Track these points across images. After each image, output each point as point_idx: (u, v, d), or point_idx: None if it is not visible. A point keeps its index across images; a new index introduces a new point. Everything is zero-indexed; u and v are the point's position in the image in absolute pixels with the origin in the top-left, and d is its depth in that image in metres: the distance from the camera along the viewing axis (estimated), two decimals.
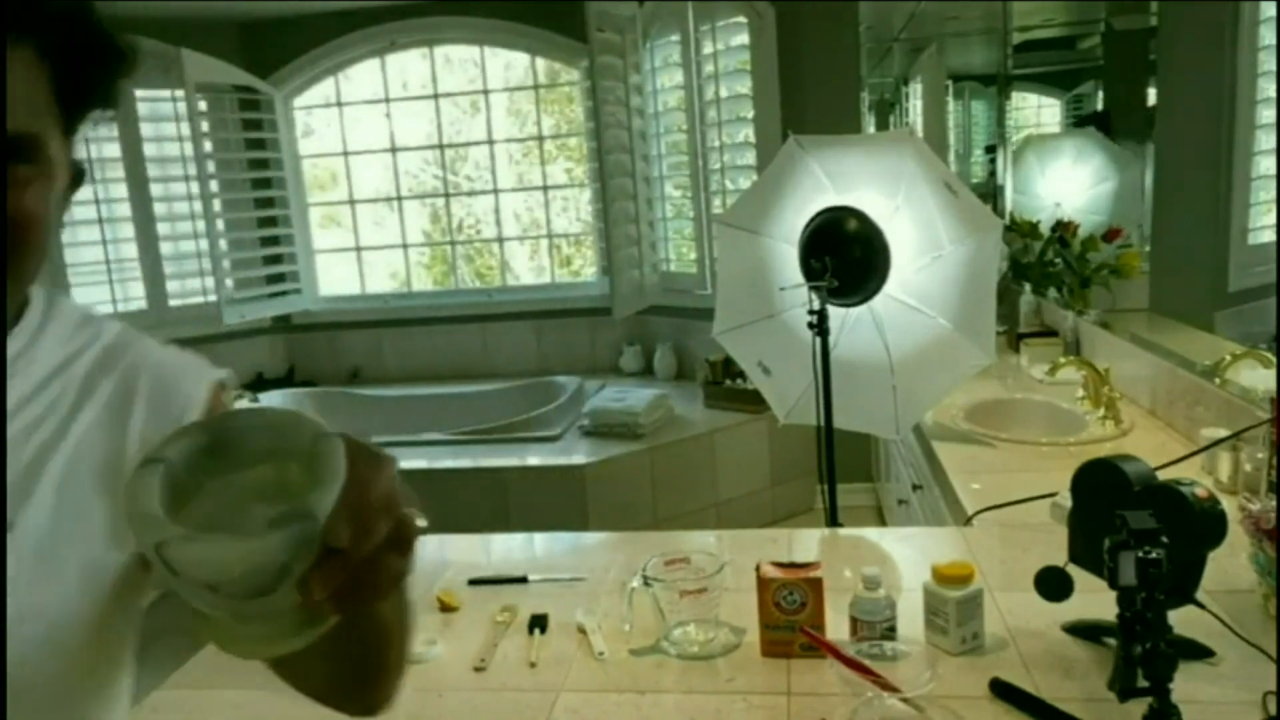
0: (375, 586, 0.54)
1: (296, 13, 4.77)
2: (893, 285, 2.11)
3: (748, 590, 1.32)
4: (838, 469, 2.19)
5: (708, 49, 4.22)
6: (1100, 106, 3.29)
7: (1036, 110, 3.88)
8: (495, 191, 5.00)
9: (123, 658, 0.75)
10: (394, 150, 5.01)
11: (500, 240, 5.13)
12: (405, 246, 5.15)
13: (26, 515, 0.66)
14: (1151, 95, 2.50)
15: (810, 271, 2.10)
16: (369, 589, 0.54)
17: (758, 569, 1.29)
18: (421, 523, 0.57)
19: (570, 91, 5.08)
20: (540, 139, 4.99)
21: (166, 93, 4.50)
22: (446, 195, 5.11)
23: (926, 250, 2.08)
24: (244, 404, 4.37)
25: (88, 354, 0.74)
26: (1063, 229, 3.04)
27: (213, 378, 0.78)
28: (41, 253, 0.65)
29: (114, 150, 4.56)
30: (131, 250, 4.64)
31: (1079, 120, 3.52)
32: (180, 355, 0.79)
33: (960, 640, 1.24)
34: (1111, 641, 1.18)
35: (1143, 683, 0.97)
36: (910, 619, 1.27)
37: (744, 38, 4.15)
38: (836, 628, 1.27)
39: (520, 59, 4.92)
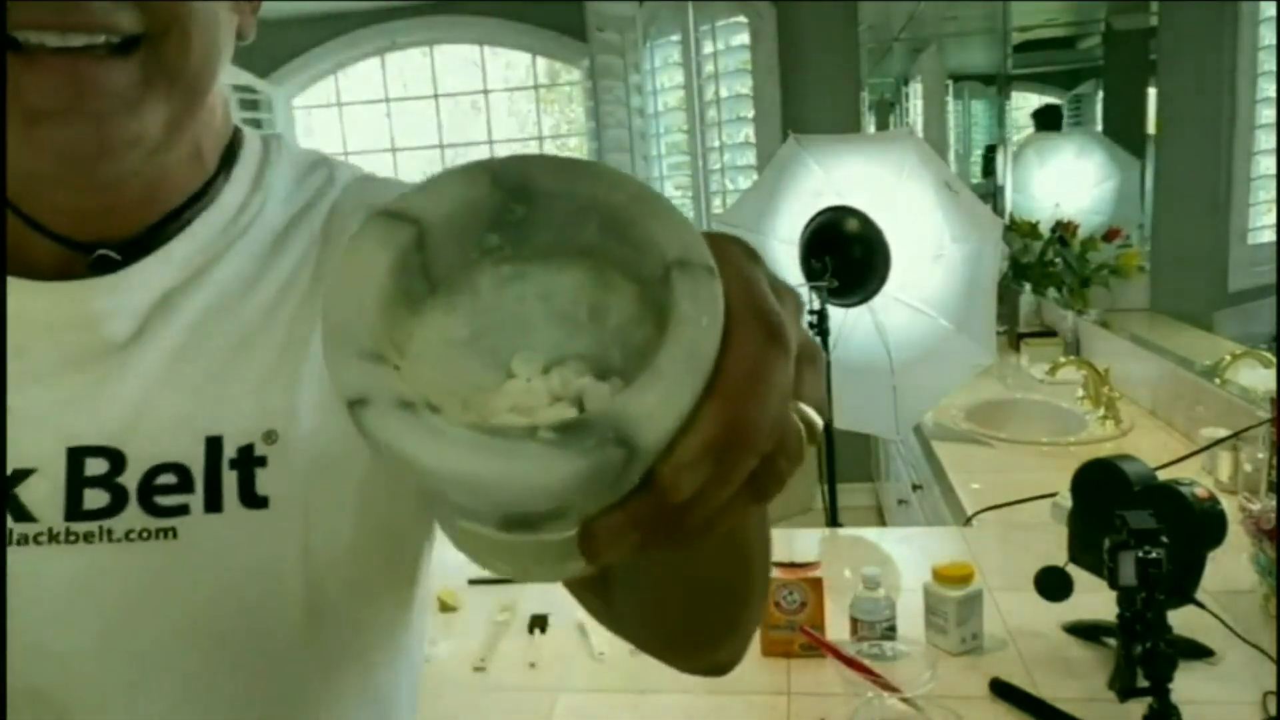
0: (710, 529, 0.29)
1: (296, 13, 4.77)
2: (893, 285, 2.11)
3: None
4: (838, 469, 2.19)
5: (708, 49, 4.22)
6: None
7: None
8: None
9: (414, 590, 0.59)
10: (394, 150, 5.01)
11: None
12: None
13: (298, 425, 0.50)
14: (1152, 95, 2.51)
15: (810, 271, 2.10)
16: (698, 533, 0.29)
17: None
18: (818, 424, 0.30)
19: (571, 91, 5.08)
20: (540, 139, 4.99)
21: None
22: None
23: (926, 250, 2.08)
24: None
25: (323, 202, 0.57)
26: (1063, 229, 3.04)
27: None
28: (210, 37, 0.48)
29: None
30: None
31: (1038, 115, 3.55)
32: None
33: (960, 640, 1.24)
34: (1111, 641, 1.18)
35: (1143, 683, 0.97)
36: (910, 619, 1.27)
37: (744, 38, 4.15)
38: (836, 628, 1.27)
39: (521, 59, 4.92)
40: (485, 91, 4.92)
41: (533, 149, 5.00)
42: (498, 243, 0.31)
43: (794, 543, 1.68)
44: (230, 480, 0.49)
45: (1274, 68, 1.99)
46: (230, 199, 0.54)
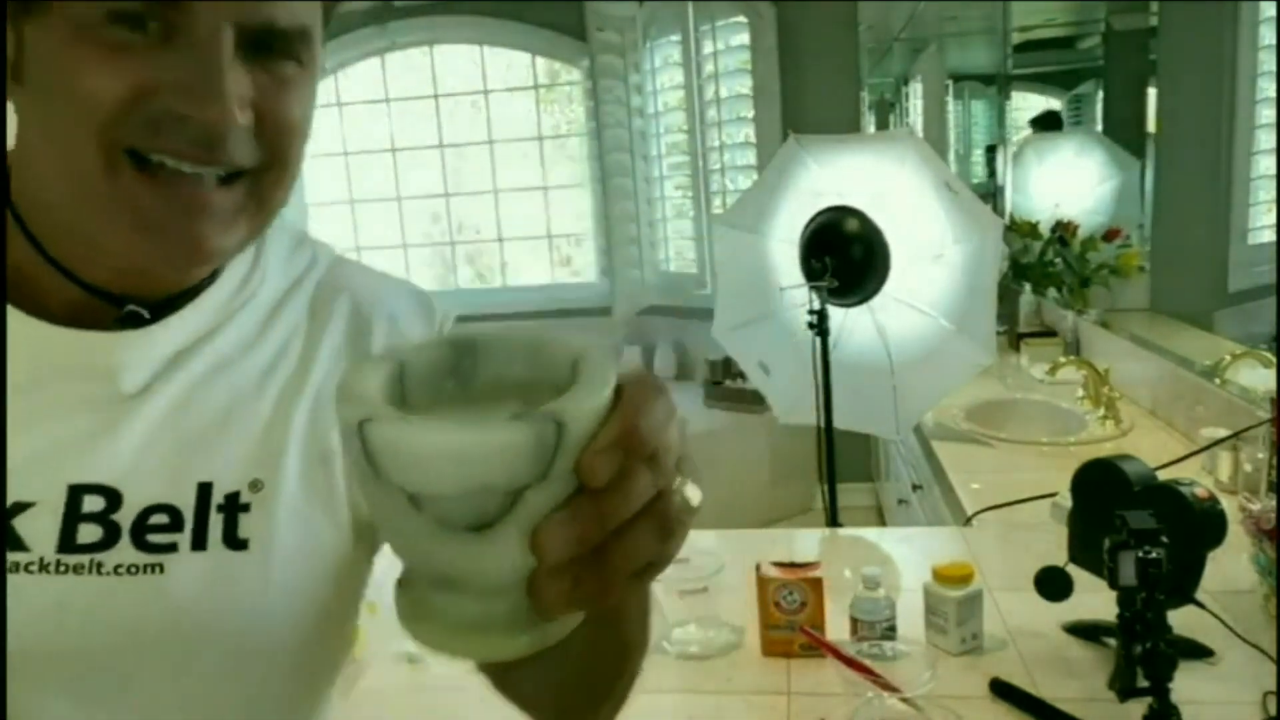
0: (623, 568, 0.37)
1: None
2: (893, 285, 2.11)
3: (748, 590, 1.31)
4: (838, 469, 2.19)
5: (708, 49, 4.22)
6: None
7: (1037, 110, 3.87)
8: (495, 192, 5.00)
9: (350, 630, 0.66)
10: (394, 150, 5.01)
11: (500, 240, 5.13)
12: (405, 247, 5.15)
13: (281, 477, 0.57)
14: (1152, 95, 2.51)
15: (810, 271, 2.10)
16: (616, 570, 0.37)
17: (757, 569, 1.29)
18: (695, 499, 0.41)
19: (570, 91, 5.08)
20: (540, 139, 4.99)
21: None
22: (446, 195, 5.11)
23: (927, 250, 2.08)
24: None
25: (308, 281, 0.64)
26: (1063, 229, 3.04)
27: (444, 315, 0.68)
28: (298, 171, 0.55)
29: None
30: None
31: (1037, 122, 3.55)
32: (405, 286, 0.69)
33: (960, 640, 1.24)
34: (1111, 641, 1.18)
35: (1143, 683, 0.97)
36: (910, 619, 1.27)
37: (744, 38, 4.15)
38: (836, 628, 1.27)
39: (521, 59, 4.92)
40: (485, 91, 4.92)
41: (533, 149, 5.00)
42: (452, 385, 0.42)
43: (794, 543, 1.68)
44: (216, 522, 0.55)
45: (1274, 68, 1.99)
46: (236, 272, 0.60)
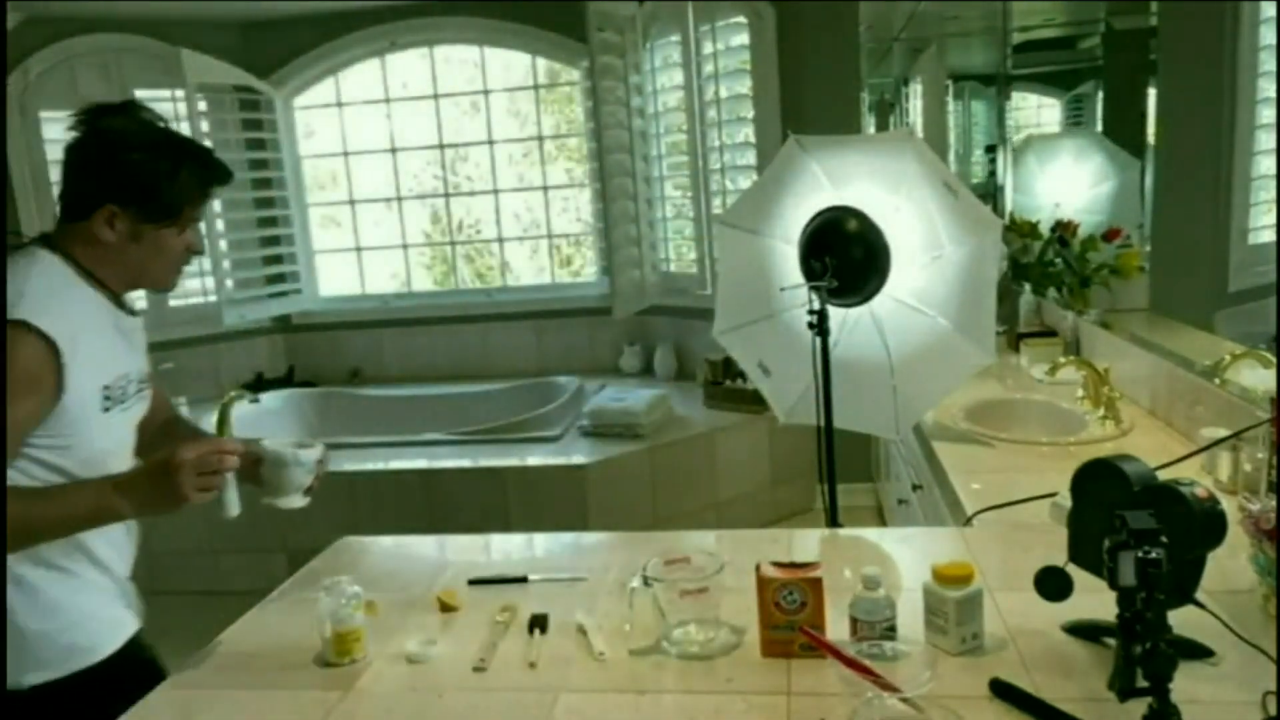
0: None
1: (296, 13, 4.77)
2: (893, 285, 2.11)
3: (748, 590, 1.32)
4: (838, 469, 2.19)
5: (708, 49, 4.22)
6: (1100, 109, 3.29)
7: (1036, 110, 3.88)
8: (495, 192, 5.00)
9: None
10: (394, 150, 5.01)
11: (500, 240, 5.14)
12: (405, 247, 5.16)
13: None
14: (1152, 95, 2.50)
15: (810, 271, 2.10)
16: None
17: (758, 569, 1.29)
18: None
19: (570, 92, 5.08)
20: (540, 139, 4.99)
21: (167, 93, 4.50)
22: (446, 195, 5.11)
23: (926, 250, 2.08)
24: (244, 403, 4.36)
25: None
26: (1063, 229, 3.04)
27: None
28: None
29: None
30: None
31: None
32: None
33: (960, 640, 1.24)
34: (1111, 641, 1.18)
35: (1143, 683, 0.97)
36: (910, 619, 1.27)
37: (744, 38, 4.15)
38: (836, 628, 1.27)
39: (520, 59, 4.92)
40: (485, 91, 4.92)
41: (533, 149, 5.00)
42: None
43: (794, 543, 1.68)
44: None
45: (1274, 68, 1.99)
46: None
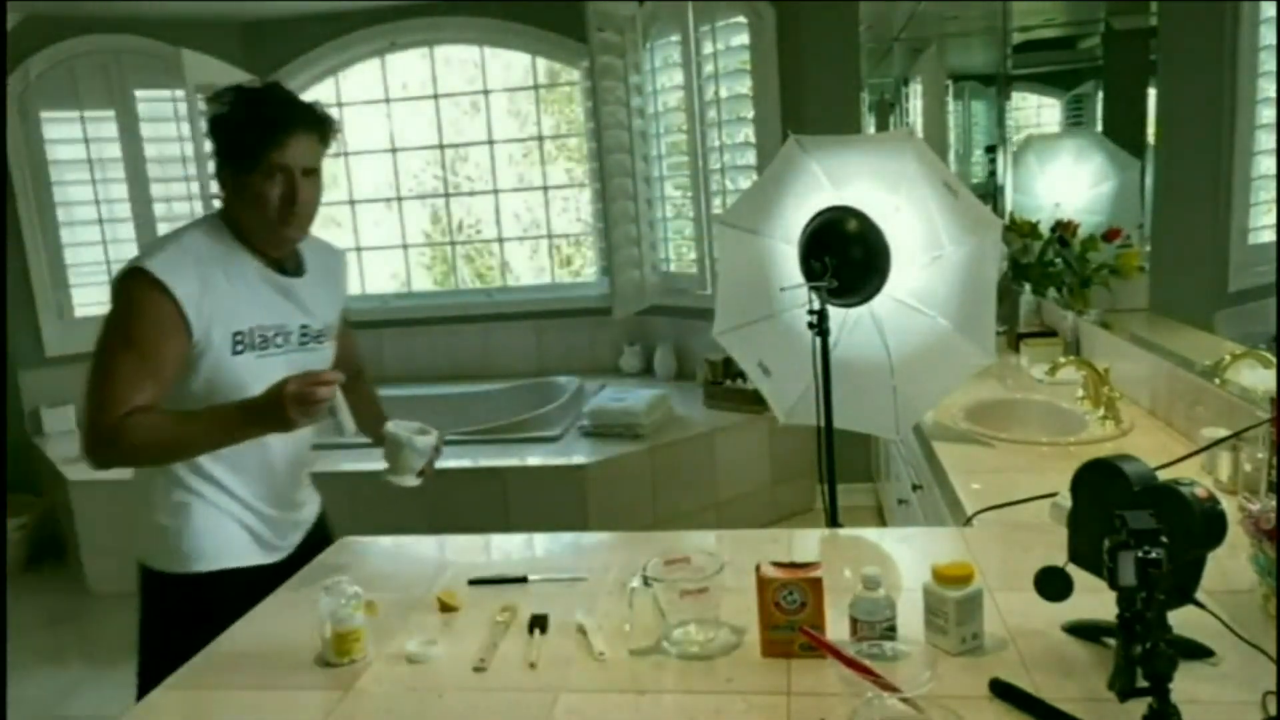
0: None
1: (296, 13, 4.77)
2: (893, 285, 2.11)
3: (748, 590, 1.31)
4: (838, 469, 2.19)
5: (708, 49, 4.22)
6: (1100, 109, 3.29)
7: (1036, 110, 3.87)
8: (495, 192, 5.00)
9: None
10: (394, 150, 5.01)
11: (500, 240, 5.13)
12: (405, 247, 5.16)
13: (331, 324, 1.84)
14: (1152, 95, 2.50)
15: (810, 271, 2.10)
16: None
17: (758, 569, 1.29)
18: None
19: (570, 92, 5.08)
20: (540, 139, 4.99)
21: (167, 93, 4.50)
22: (446, 195, 5.11)
23: (926, 250, 2.08)
24: None
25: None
26: (1063, 229, 3.04)
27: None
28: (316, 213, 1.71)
29: (114, 150, 4.56)
30: (132, 250, 4.61)
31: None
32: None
33: (960, 640, 1.24)
34: (1111, 641, 1.18)
35: (1143, 683, 0.97)
36: (910, 619, 1.27)
37: (744, 38, 4.15)
38: (836, 628, 1.27)
39: (520, 59, 4.92)
40: (485, 91, 4.92)
41: (533, 149, 5.00)
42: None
43: (794, 543, 1.68)
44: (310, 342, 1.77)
45: (1274, 68, 1.99)
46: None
